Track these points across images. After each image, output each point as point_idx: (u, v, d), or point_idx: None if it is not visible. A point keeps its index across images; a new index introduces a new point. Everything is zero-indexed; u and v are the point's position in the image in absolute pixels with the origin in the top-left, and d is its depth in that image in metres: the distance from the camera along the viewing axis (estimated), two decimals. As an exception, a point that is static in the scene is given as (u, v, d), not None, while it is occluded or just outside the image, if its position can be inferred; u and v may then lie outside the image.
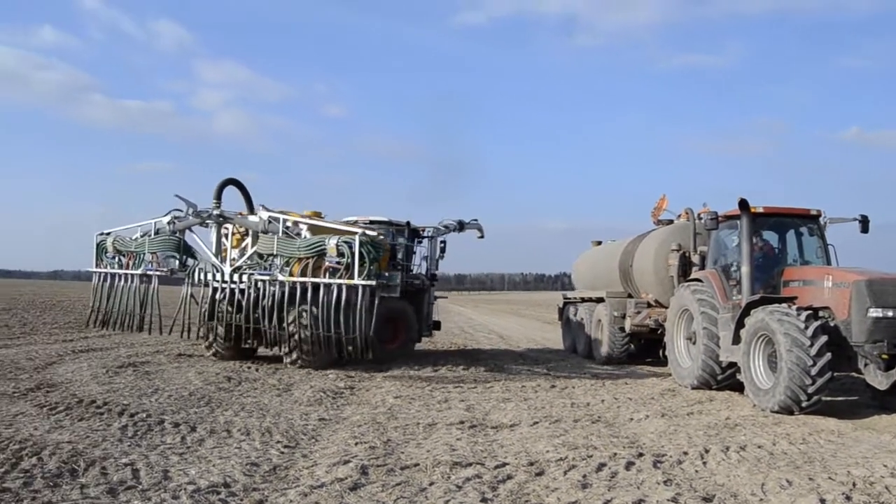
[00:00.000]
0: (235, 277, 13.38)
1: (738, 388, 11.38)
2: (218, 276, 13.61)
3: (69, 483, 5.65)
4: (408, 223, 16.62)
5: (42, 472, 5.87)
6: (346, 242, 12.20)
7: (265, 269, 12.96)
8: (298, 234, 12.95)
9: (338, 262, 12.24)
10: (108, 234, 15.16)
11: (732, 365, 11.40)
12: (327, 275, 12.32)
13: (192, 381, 11.32)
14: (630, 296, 16.94)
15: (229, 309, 13.53)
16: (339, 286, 12.14)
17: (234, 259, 13.69)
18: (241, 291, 13.26)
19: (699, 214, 14.04)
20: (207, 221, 13.98)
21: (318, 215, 14.18)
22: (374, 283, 12.13)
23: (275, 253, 12.77)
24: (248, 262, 13.39)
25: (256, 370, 12.94)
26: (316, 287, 12.36)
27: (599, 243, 20.72)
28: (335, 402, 10.05)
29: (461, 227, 17.57)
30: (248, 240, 13.74)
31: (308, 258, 12.52)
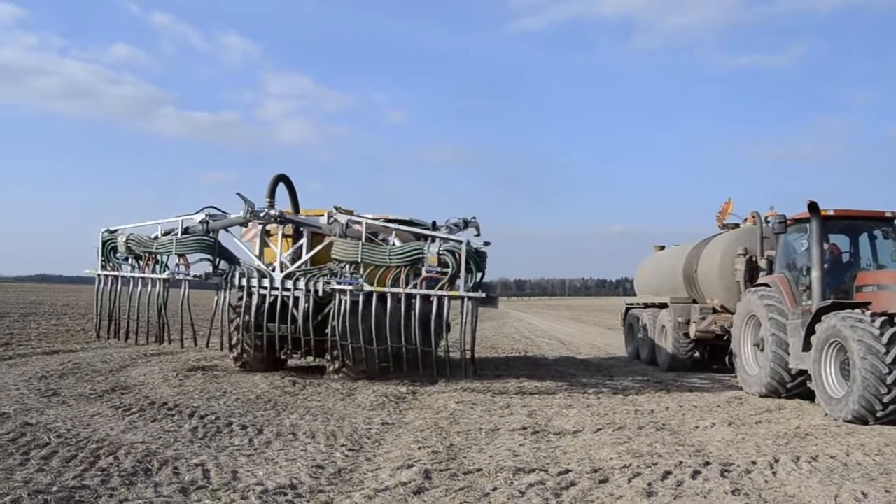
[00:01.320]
0: (289, 284, 12.01)
1: (809, 396, 11.05)
2: (265, 283, 12.16)
3: (144, 482, 5.85)
4: (433, 223, 15.23)
5: (118, 470, 6.10)
6: (449, 251, 11.29)
7: (339, 276, 11.86)
8: (385, 241, 12.09)
9: (439, 272, 11.29)
10: (116, 231, 12.92)
11: (802, 373, 11.08)
12: (424, 285, 11.40)
13: (258, 385, 11.56)
14: (695, 301, 16.65)
15: (281, 319, 12.03)
16: (440, 298, 11.28)
17: (283, 263, 12.41)
18: (295, 300, 12.00)
19: (766, 218, 13.75)
20: (255, 220, 12.49)
21: (349, 213, 13.29)
22: (483, 295, 11.32)
23: (360, 260, 11.72)
24: (304, 267, 12.33)
25: (320, 374, 13.13)
26: (409, 298, 11.48)
27: (663, 248, 20.45)
28: (398, 407, 10.15)
29: (465, 224, 17.25)
30: (303, 242, 12.65)
31: (400, 267, 11.58)
